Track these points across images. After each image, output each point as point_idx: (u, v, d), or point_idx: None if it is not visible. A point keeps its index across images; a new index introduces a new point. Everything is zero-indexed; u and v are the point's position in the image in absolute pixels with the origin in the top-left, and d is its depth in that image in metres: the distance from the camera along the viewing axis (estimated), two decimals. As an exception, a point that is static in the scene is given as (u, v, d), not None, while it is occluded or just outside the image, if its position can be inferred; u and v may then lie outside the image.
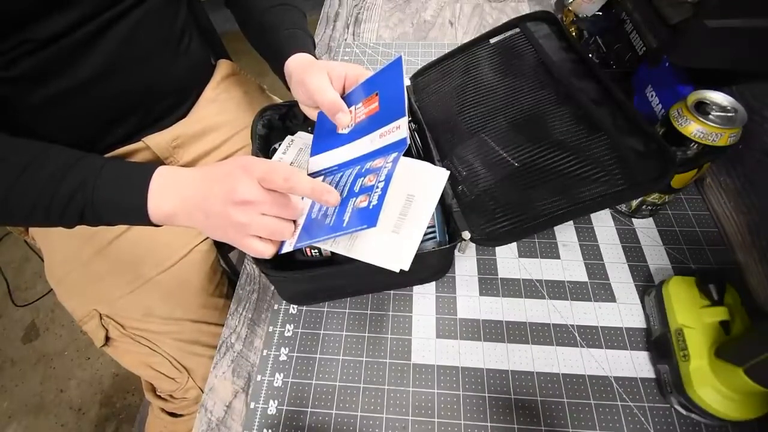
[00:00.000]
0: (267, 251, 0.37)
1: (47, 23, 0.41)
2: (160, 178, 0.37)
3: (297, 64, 0.47)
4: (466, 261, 0.50)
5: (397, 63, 0.42)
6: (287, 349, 0.45)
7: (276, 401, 0.42)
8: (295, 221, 0.39)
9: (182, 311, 0.56)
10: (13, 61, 0.41)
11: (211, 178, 0.37)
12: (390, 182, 0.35)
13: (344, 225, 0.35)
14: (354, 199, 0.37)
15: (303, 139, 0.52)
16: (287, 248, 0.38)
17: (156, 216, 0.37)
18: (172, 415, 0.58)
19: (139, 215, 0.37)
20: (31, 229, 0.60)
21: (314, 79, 0.43)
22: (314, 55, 0.49)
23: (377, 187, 0.36)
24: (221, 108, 0.64)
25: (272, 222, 0.36)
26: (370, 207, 0.34)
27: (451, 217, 0.44)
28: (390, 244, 0.38)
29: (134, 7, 0.47)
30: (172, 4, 0.53)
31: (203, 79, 0.63)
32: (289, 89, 0.49)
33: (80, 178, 0.37)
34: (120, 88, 0.49)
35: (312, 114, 0.47)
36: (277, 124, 0.54)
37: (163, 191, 0.37)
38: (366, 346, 0.45)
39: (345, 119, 0.43)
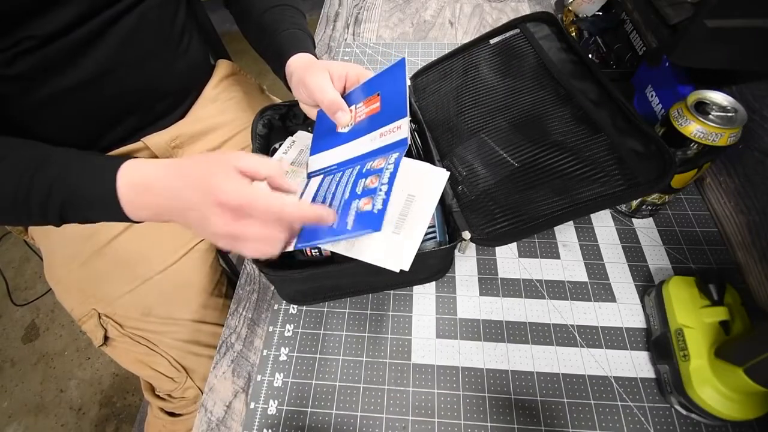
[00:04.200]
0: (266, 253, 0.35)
1: (46, 20, 0.41)
2: (125, 188, 0.34)
3: (298, 64, 0.47)
4: (466, 261, 0.50)
5: (400, 64, 0.42)
6: (287, 349, 0.45)
7: (276, 401, 0.42)
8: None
9: (181, 311, 0.56)
10: (14, 58, 0.41)
11: (183, 202, 0.33)
12: (393, 185, 0.35)
13: (348, 228, 0.35)
14: (357, 201, 0.37)
15: (304, 139, 0.52)
16: (289, 248, 0.38)
17: (138, 219, 0.36)
18: (172, 414, 0.58)
19: (120, 220, 0.36)
20: (31, 229, 0.60)
21: (315, 78, 0.43)
22: (315, 55, 0.49)
23: (380, 190, 0.35)
24: (221, 108, 0.63)
25: (261, 246, 0.33)
26: (375, 211, 0.34)
27: (451, 217, 0.44)
28: (390, 244, 0.38)
29: (134, 6, 0.47)
30: (171, 4, 0.53)
31: (203, 79, 0.63)
32: (289, 89, 0.49)
33: (46, 191, 0.35)
34: (119, 87, 0.49)
35: (312, 113, 0.47)
36: (277, 124, 0.55)
37: (135, 203, 0.35)
38: (366, 346, 0.45)
39: (345, 118, 0.43)
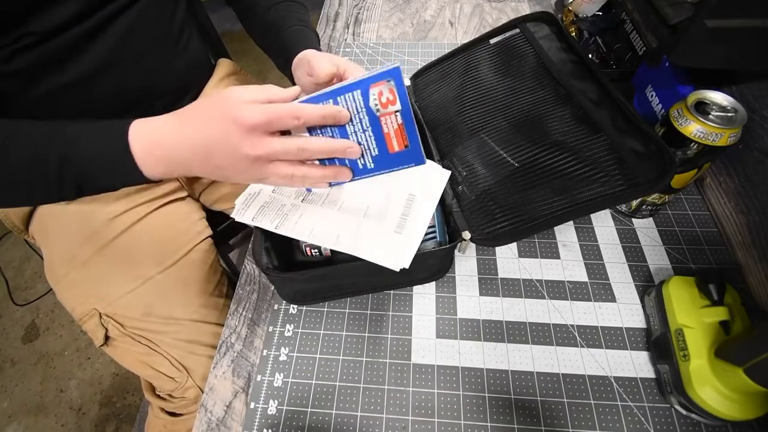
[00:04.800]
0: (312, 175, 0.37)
1: (47, 17, 0.41)
2: (139, 141, 0.35)
3: (306, 55, 0.47)
4: (466, 261, 0.50)
5: (395, 72, 0.36)
6: (287, 349, 0.45)
7: (276, 401, 0.42)
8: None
9: (182, 311, 0.56)
10: (13, 55, 0.41)
11: (204, 142, 0.34)
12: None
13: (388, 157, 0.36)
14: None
15: None
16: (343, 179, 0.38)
17: (154, 177, 0.37)
18: (172, 414, 0.58)
19: (137, 180, 0.36)
20: (31, 229, 0.60)
21: (324, 61, 0.43)
22: (320, 51, 0.49)
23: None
24: (221, 108, 0.63)
25: (295, 169, 0.36)
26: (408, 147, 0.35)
27: (451, 217, 0.44)
28: (391, 243, 0.38)
29: (133, 3, 0.47)
30: (170, 2, 0.53)
31: (202, 77, 0.63)
32: (294, 85, 0.49)
33: (60, 164, 0.35)
34: (118, 84, 0.49)
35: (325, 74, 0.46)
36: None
37: (150, 159, 0.35)
38: (366, 346, 0.45)
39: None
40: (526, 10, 0.83)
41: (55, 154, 0.35)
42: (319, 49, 0.49)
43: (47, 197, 0.37)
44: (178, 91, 0.58)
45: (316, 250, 0.45)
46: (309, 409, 0.42)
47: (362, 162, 0.38)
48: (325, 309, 0.48)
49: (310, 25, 0.53)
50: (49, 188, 0.36)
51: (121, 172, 0.36)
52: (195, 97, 0.61)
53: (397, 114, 0.35)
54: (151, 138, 0.35)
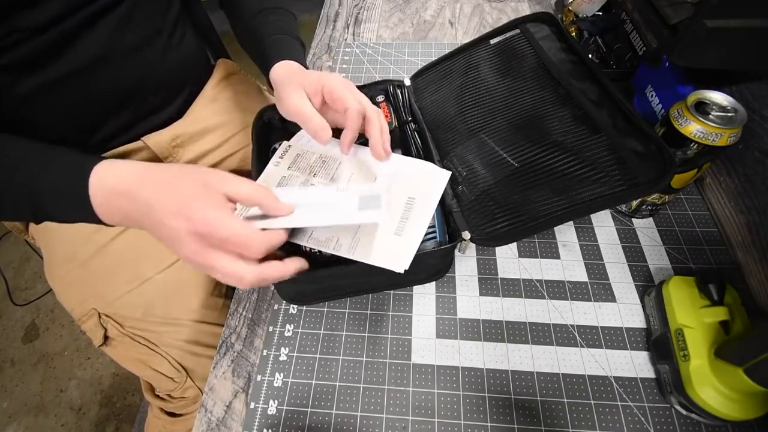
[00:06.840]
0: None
1: (37, 12, 0.40)
2: (97, 190, 0.34)
3: (279, 74, 0.46)
4: (466, 261, 0.50)
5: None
6: (287, 349, 0.45)
7: (276, 401, 0.42)
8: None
9: (181, 311, 0.56)
10: (3, 50, 0.40)
11: (158, 222, 0.33)
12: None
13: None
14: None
15: (301, 139, 0.52)
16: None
17: (113, 223, 0.36)
18: (172, 414, 0.58)
19: (95, 221, 0.36)
20: (31, 229, 0.60)
21: (292, 99, 0.42)
22: (302, 61, 0.48)
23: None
24: (221, 108, 0.63)
25: (228, 280, 0.33)
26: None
27: (451, 217, 0.44)
28: (391, 245, 0.38)
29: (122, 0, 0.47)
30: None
31: (198, 74, 0.63)
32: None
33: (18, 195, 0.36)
34: (112, 79, 0.49)
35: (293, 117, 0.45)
36: (276, 124, 0.54)
37: (106, 206, 0.35)
38: (366, 346, 0.45)
39: (327, 135, 0.41)
40: (526, 10, 0.83)
41: (19, 182, 0.35)
42: (300, 59, 0.48)
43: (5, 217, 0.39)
44: (172, 86, 0.58)
45: (317, 251, 0.45)
46: (309, 409, 0.42)
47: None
48: (325, 309, 0.48)
49: (294, 33, 0.52)
50: (5, 215, 0.38)
51: (78, 214, 0.36)
52: (192, 95, 0.61)
53: None
54: (114, 185, 0.34)
